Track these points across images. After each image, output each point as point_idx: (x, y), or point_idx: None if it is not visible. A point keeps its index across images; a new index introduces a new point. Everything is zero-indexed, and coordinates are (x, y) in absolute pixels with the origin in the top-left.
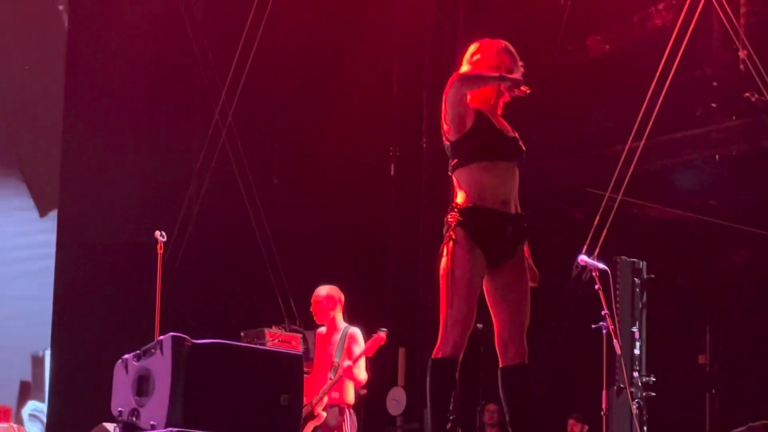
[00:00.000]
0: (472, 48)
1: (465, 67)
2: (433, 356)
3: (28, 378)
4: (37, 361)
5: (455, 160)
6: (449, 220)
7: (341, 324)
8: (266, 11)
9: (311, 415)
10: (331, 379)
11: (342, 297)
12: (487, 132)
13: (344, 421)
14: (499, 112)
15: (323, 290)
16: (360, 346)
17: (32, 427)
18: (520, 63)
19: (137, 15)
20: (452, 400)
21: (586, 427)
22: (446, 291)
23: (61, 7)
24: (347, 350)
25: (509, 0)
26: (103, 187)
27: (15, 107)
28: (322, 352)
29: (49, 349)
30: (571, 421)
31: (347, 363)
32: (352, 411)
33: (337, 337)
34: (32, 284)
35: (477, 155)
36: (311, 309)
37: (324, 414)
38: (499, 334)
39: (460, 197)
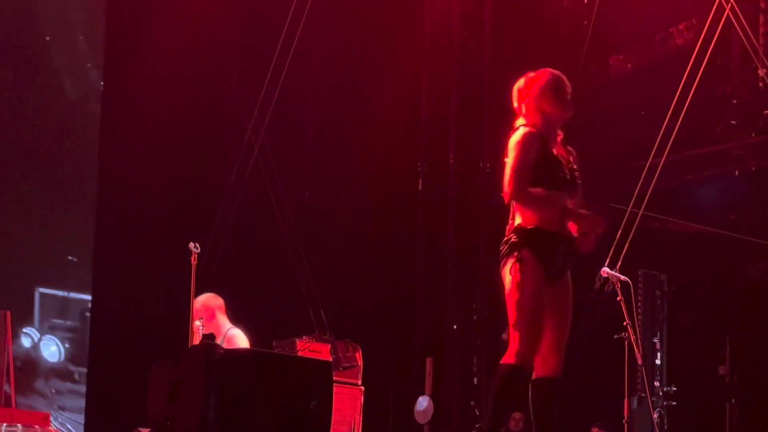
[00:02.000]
0: (520, 84)
1: (518, 105)
2: (503, 361)
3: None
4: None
5: None
6: (513, 240)
7: (224, 328)
8: (298, 30)
9: None
10: None
11: (220, 303)
12: (550, 164)
13: None
14: (559, 138)
15: (199, 300)
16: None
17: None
18: (569, 91)
19: (171, 34)
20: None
21: None
22: (516, 307)
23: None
24: None
25: (533, 19)
26: (140, 202)
27: (54, 117)
28: None
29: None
30: (594, 429)
31: None
32: None
33: (220, 340)
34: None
35: (538, 184)
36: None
37: None
38: (543, 347)
39: (521, 219)
